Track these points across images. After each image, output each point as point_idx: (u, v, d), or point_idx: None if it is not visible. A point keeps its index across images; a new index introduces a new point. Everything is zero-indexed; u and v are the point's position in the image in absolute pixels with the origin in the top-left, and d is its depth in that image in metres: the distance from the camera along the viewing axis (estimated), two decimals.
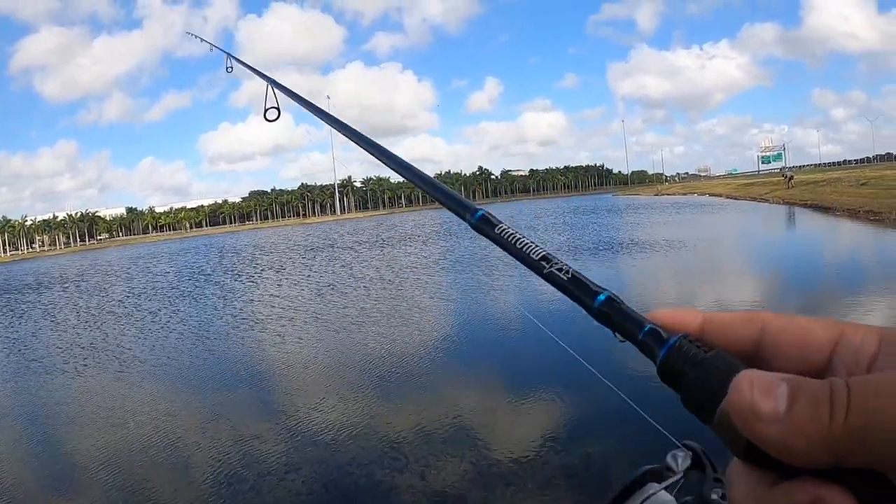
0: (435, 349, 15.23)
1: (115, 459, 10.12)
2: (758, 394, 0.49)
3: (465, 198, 0.89)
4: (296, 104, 2.25)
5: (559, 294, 0.69)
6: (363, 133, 1.43)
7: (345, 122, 1.57)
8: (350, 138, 1.47)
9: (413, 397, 11.90)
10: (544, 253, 0.71)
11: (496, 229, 0.78)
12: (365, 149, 1.36)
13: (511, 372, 12.65)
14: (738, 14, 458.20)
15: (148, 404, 13.30)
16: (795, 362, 0.55)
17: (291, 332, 19.66)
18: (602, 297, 0.64)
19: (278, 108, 2.75)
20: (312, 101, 2.10)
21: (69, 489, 9.24)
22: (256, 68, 3.09)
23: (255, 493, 8.33)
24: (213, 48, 4.86)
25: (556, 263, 0.69)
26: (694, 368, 0.54)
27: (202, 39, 6.20)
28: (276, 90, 2.62)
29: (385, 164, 1.22)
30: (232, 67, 4.53)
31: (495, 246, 0.73)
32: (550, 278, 0.69)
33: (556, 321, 14.52)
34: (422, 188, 1.04)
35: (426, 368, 13.70)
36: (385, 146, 1.27)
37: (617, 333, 0.62)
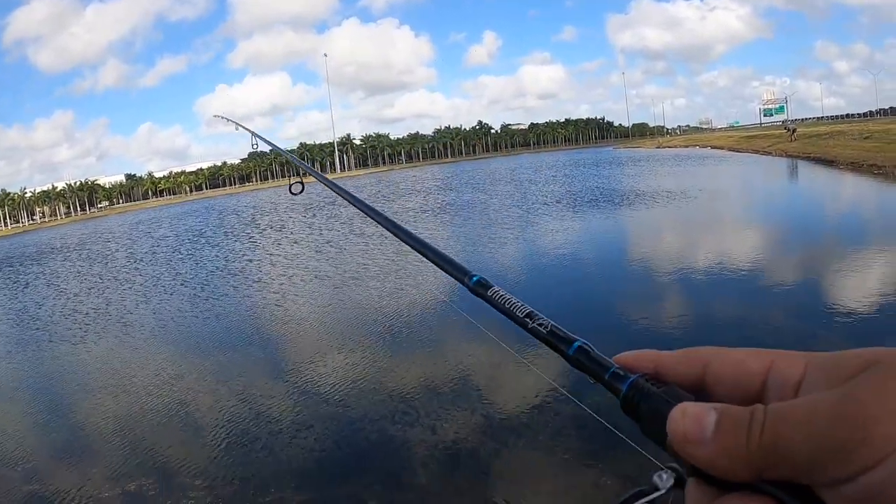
0: (431, 303, 15.22)
1: (123, 423, 10.17)
2: (689, 422, 0.58)
3: (463, 264, 1.07)
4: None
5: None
6: (375, 207, 1.66)
7: (357, 195, 1.85)
8: (366, 213, 1.72)
9: (412, 350, 12.00)
10: (529, 311, 0.85)
11: (489, 291, 0.94)
12: (377, 221, 1.60)
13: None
14: None
15: (154, 367, 13.36)
16: (733, 391, 0.63)
17: (293, 290, 19.77)
18: (575, 345, 0.76)
19: (302, 183, 3.24)
20: (327, 177, 2.40)
21: (79, 455, 9.24)
22: (281, 148, 3.92)
23: (267, 451, 8.37)
24: (239, 128, 5.46)
25: (538, 319, 0.83)
26: (647, 402, 0.64)
27: (229, 120, 6.57)
28: (297, 163, 3.17)
29: (397, 235, 1.40)
30: (258, 145, 4.90)
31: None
32: (533, 332, 0.82)
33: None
34: (427, 256, 1.21)
35: (424, 322, 13.78)
36: (394, 220, 1.47)
37: (588, 375, 0.73)
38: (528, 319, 0.84)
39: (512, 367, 10.02)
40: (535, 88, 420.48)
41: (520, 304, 0.87)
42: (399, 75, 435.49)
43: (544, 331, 0.81)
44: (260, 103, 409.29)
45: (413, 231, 1.33)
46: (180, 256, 33.69)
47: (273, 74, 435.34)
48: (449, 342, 12.32)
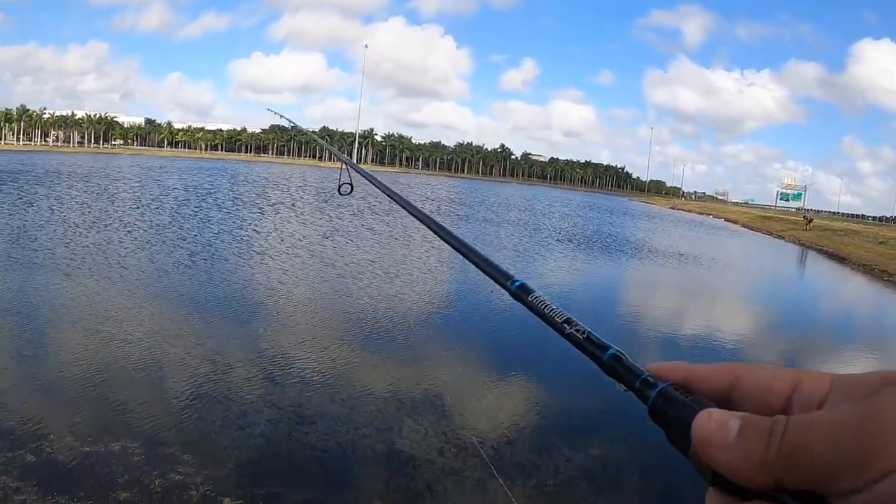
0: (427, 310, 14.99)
1: (108, 373, 9.78)
2: (713, 426, 0.61)
3: (506, 269, 1.08)
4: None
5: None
6: (424, 212, 1.65)
7: (407, 199, 1.88)
8: (412, 213, 1.73)
9: (391, 355, 11.74)
10: (567, 317, 0.87)
11: (530, 296, 0.96)
12: (424, 223, 1.59)
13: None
14: (785, 48, 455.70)
15: (146, 319, 13.00)
16: (760, 405, 0.64)
17: (293, 270, 19.52)
18: (609, 352, 0.79)
19: (351, 184, 3.27)
20: (379, 180, 2.42)
21: (56, 399, 8.88)
22: (334, 150, 3.82)
23: (264, 440, 8.01)
24: (292, 124, 5.49)
25: (576, 325, 0.85)
26: (675, 409, 0.66)
27: (282, 116, 6.38)
28: (351, 168, 3.17)
29: (443, 237, 1.41)
30: (350, 187, 4.78)
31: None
32: (570, 337, 0.85)
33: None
34: (470, 259, 1.22)
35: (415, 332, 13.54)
36: (440, 222, 1.49)
37: (619, 382, 0.75)
38: (566, 325, 0.86)
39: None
40: (562, 124, 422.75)
41: (558, 310, 0.90)
42: (433, 82, 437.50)
43: (581, 336, 0.83)
44: (292, 79, 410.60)
45: (459, 234, 1.36)
46: (186, 212, 33.37)
47: (310, 54, 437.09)
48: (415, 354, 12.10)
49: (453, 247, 1.33)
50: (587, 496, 7.62)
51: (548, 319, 0.90)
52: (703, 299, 23.82)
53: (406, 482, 7.41)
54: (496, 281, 1.09)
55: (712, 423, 0.61)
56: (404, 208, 1.86)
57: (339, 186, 3.29)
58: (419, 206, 1.70)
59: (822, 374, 0.64)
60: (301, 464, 7.57)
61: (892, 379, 0.56)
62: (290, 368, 10.68)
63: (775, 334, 18.58)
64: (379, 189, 2.34)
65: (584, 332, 0.83)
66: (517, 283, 1.01)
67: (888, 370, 0.58)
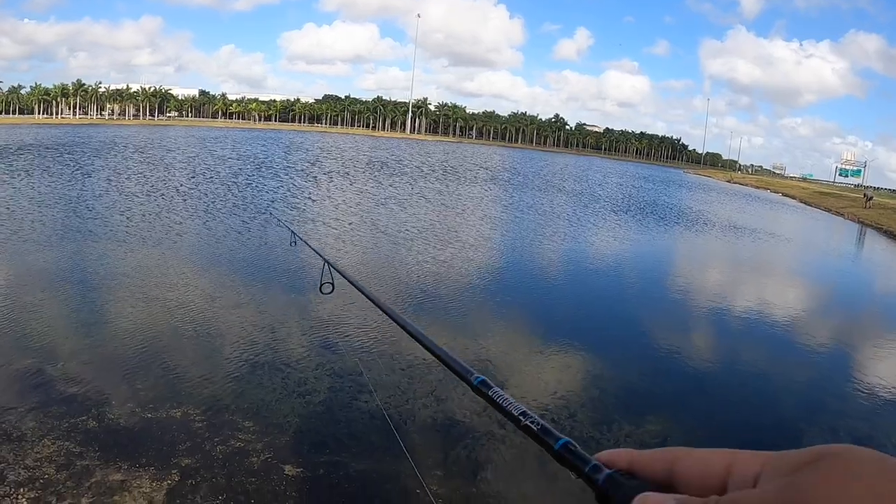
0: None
1: (169, 341, 9.91)
2: None
3: (467, 365, 1.19)
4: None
5: None
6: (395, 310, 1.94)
7: (387, 303, 2.16)
8: (390, 316, 2.01)
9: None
10: (523, 410, 0.93)
11: (490, 391, 1.05)
12: (403, 327, 1.77)
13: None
14: (845, 18, 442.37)
15: (194, 284, 13.23)
16: (698, 487, 0.67)
17: (351, 238, 19.53)
18: (561, 442, 0.83)
19: (332, 283, 3.56)
20: (358, 282, 2.71)
21: (121, 366, 8.95)
22: (317, 249, 3.91)
23: (325, 408, 8.00)
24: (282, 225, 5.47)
25: (531, 418, 0.90)
26: (619, 493, 0.70)
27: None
28: (332, 269, 3.41)
29: (407, 330, 1.64)
30: (295, 243, 4.92)
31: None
32: (525, 429, 0.90)
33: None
34: (434, 353, 1.40)
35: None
36: (410, 321, 1.69)
37: (570, 469, 0.78)
38: (521, 417, 0.92)
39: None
40: (616, 94, 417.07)
41: (514, 404, 0.95)
42: (486, 52, 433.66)
43: (535, 427, 0.88)
44: (344, 49, 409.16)
45: (422, 330, 1.53)
46: (241, 180, 33.59)
47: (362, 24, 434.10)
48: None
49: (418, 341, 1.51)
50: None
51: (505, 413, 0.96)
52: (757, 276, 23.37)
53: (465, 454, 7.35)
54: (458, 375, 1.19)
55: None
56: (385, 312, 2.11)
57: (321, 287, 3.56)
58: (398, 309, 1.98)
59: (755, 453, 0.65)
60: (361, 433, 7.52)
61: (820, 455, 0.58)
62: (347, 337, 10.66)
63: (831, 316, 18.16)
64: (360, 291, 2.55)
65: (538, 424, 0.88)
66: (479, 380, 1.11)
67: (812, 447, 0.60)
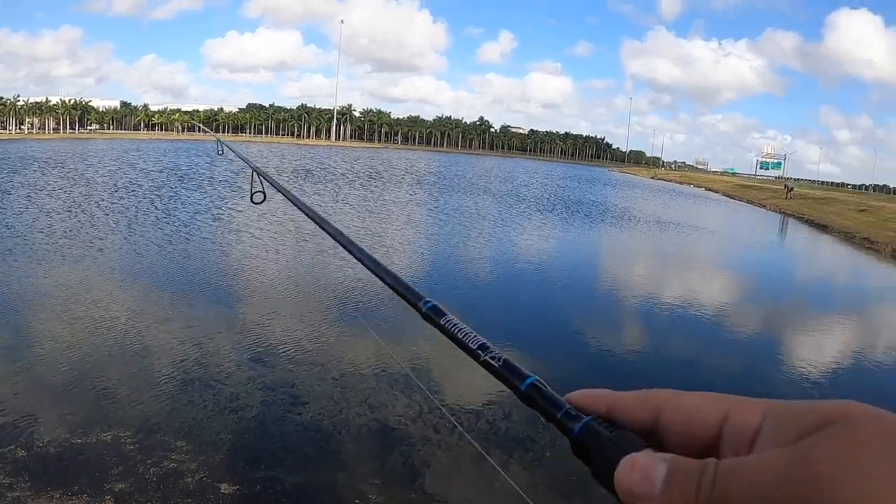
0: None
1: (95, 361, 9.70)
2: (637, 476, 0.57)
3: (417, 289, 1.04)
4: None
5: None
6: (331, 222, 1.67)
7: (320, 213, 1.79)
8: (323, 228, 1.70)
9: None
10: (482, 342, 0.82)
11: (443, 319, 0.92)
12: (335, 238, 1.61)
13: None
14: (762, 17, 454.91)
15: (120, 301, 12.98)
16: (686, 439, 0.60)
17: (273, 246, 19.40)
18: (528, 381, 0.73)
19: (263, 192, 3.24)
20: (290, 191, 2.40)
21: (45, 388, 8.77)
22: (245, 157, 3.62)
23: (258, 423, 7.94)
24: (205, 132, 5.10)
25: (491, 352, 0.80)
26: (598, 446, 0.62)
27: (205, 131, 6.07)
28: (261, 177, 3.12)
29: (351, 252, 1.42)
30: (222, 152, 4.69)
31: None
32: (485, 364, 0.79)
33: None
34: (380, 276, 1.20)
35: None
36: (349, 236, 1.48)
37: (539, 413, 0.70)
38: (480, 351, 0.81)
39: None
40: (540, 96, 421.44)
41: (473, 335, 0.85)
42: (410, 57, 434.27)
43: (497, 364, 0.78)
44: (267, 57, 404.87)
45: (368, 250, 1.33)
46: (164, 193, 33.05)
47: (286, 31, 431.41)
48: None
49: (363, 263, 1.32)
50: None
51: (462, 345, 0.85)
52: (683, 268, 23.94)
53: (401, 460, 7.37)
54: (407, 301, 1.05)
55: (636, 473, 0.57)
56: (312, 220, 1.85)
57: (252, 195, 3.27)
58: (331, 217, 1.74)
59: (754, 401, 0.59)
60: (296, 446, 7.49)
61: (826, 416, 0.52)
62: (277, 348, 10.61)
63: (760, 302, 18.73)
64: (290, 201, 2.28)
65: (500, 360, 0.78)
66: (429, 305, 0.99)
67: (820, 403, 0.54)
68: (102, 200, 28.99)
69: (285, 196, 2.37)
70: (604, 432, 0.63)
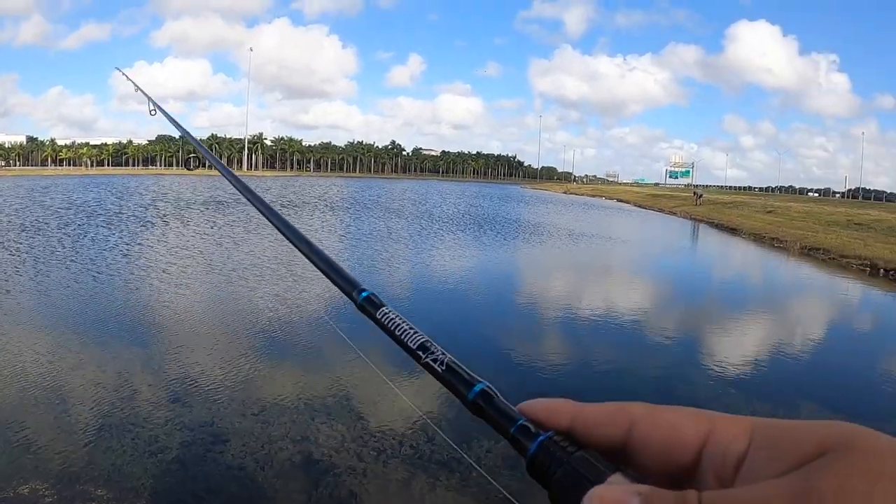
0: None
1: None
2: None
3: (352, 275, 0.94)
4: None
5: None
6: (257, 194, 1.53)
7: (247, 185, 1.65)
8: (255, 206, 1.50)
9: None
10: (423, 340, 0.73)
11: (378, 312, 0.82)
12: (259, 209, 1.44)
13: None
14: (664, 33, 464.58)
15: (37, 348, 12.49)
16: (662, 461, 0.54)
17: (185, 281, 19.04)
18: (476, 388, 0.66)
19: (198, 158, 3.25)
20: (217, 159, 2.30)
21: None
22: (177, 122, 3.49)
23: (179, 464, 7.73)
24: (138, 90, 4.91)
25: (434, 353, 0.71)
26: (559, 469, 0.55)
27: (131, 82, 5.94)
28: (191, 141, 2.89)
29: (277, 227, 1.27)
30: (156, 111, 4.61)
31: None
32: (427, 367, 0.71)
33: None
34: (312, 261, 1.07)
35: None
36: (284, 217, 1.30)
37: (489, 425, 0.63)
38: (420, 352, 0.72)
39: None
40: (451, 117, 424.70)
41: (413, 332, 0.75)
42: (320, 83, 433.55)
43: (440, 368, 0.69)
44: (177, 87, 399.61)
45: (301, 231, 1.18)
46: (73, 231, 32.21)
47: (195, 60, 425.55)
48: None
49: (295, 245, 1.17)
50: None
51: (400, 342, 0.75)
52: (600, 277, 24.26)
53: (328, 491, 7.25)
54: (340, 288, 0.93)
55: None
56: (243, 195, 1.64)
57: (189, 161, 3.15)
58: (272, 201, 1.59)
59: (740, 420, 0.53)
60: (219, 485, 7.35)
61: (826, 441, 0.47)
62: (195, 386, 10.36)
63: (677, 305, 19.12)
64: (218, 170, 2.08)
65: (443, 363, 0.69)
66: (364, 294, 0.86)
67: (816, 423, 0.49)
68: (5, 241, 28.12)
69: (214, 164, 2.22)
70: (566, 454, 0.55)
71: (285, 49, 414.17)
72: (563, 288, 21.78)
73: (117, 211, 45.22)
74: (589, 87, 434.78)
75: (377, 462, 7.93)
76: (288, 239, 1.20)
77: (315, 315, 15.42)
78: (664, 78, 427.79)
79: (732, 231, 44.93)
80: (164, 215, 43.54)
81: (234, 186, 1.74)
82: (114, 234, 31.47)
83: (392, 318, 0.78)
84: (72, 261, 22.64)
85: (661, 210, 71.15)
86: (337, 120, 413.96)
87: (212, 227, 35.69)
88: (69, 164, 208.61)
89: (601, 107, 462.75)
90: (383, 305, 0.82)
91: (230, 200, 54.27)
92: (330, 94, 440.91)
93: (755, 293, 22.60)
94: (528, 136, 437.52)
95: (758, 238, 39.81)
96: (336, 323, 13.44)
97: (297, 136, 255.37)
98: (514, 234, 37.97)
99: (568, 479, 0.54)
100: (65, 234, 31.03)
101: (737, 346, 14.00)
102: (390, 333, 0.77)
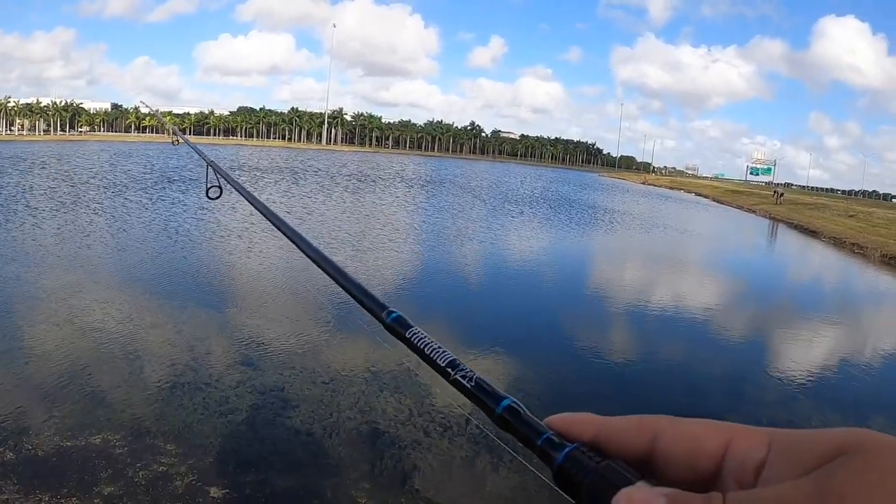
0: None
1: (83, 364, 9.61)
2: None
3: (380, 297, 0.95)
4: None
5: None
6: (292, 226, 1.55)
7: (276, 212, 1.70)
8: (278, 228, 1.58)
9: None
10: (452, 358, 0.76)
11: (408, 332, 0.84)
12: (291, 239, 1.47)
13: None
14: (750, 25, 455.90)
15: (121, 308, 12.80)
16: (686, 470, 0.56)
17: (263, 249, 19.35)
18: (504, 403, 0.68)
19: (220, 187, 3.05)
20: (245, 188, 2.26)
21: (33, 392, 8.76)
22: (201, 151, 3.51)
23: (248, 426, 7.88)
24: (162, 124, 4.97)
25: (462, 370, 0.74)
26: (585, 479, 0.56)
27: (157, 117, 5.88)
28: (217, 172, 2.93)
29: (310, 257, 1.29)
30: (179, 141, 4.58)
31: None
32: (455, 384, 0.73)
33: None
34: (340, 283, 1.09)
35: None
36: (310, 240, 1.36)
37: (517, 440, 0.65)
38: (450, 369, 0.75)
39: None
40: (531, 101, 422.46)
41: (442, 351, 0.78)
42: (401, 61, 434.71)
43: (469, 384, 0.72)
44: (260, 60, 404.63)
45: (326, 252, 1.21)
46: (155, 193, 32.93)
47: (279, 34, 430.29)
48: None
49: (321, 268, 1.20)
50: None
51: (430, 361, 0.78)
52: (678, 272, 23.92)
53: (392, 463, 7.35)
54: (368, 310, 0.97)
55: None
56: (268, 219, 1.73)
57: (207, 191, 3.14)
58: (290, 220, 1.61)
59: (758, 430, 0.55)
60: (285, 449, 7.46)
61: (842, 444, 0.48)
62: (268, 351, 10.57)
63: (751, 307, 18.72)
64: (244, 197, 2.16)
65: (471, 379, 0.72)
66: (394, 316, 0.90)
67: (831, 431, 0.51)
68: (93, 202, 28.86)
69: (239, 192, 2.25)
70: (592, 463, 0.57)
71: (368, 26, 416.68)
72: (631, 278, 21.62)
73: (191, 178, 46.04)
74: (671, 76, 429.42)
75: (442, 439, 7.97)
76: (316, 263, 1.24)
77: (390, 292, 15.61)
78: (748, 71, 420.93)
79: (812, 233, 43.90)
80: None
81: (261, 212, 1.81)
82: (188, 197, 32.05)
83: (422, 338, 0.82)
84: (153, 223, 23.15)
85: (739, 207, 69.80)
86: (417, 98, 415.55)
87: (284, 196, 36.10)
88: (152, 132, 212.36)
89: (683, 97, 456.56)
90: (412, 326, 0.85)
91: (307, 170, 54.59)
92: (411, 73, 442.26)
93: (828, 299, 22.09)
94: (608, 124, 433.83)
95: (837, 242, 38.89)
96: (406, 302, 13.62)
97: (376, 112, 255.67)
98: (591, 220, 37.87)
99: (596, 487, 0.55)
100: (144, 196, 31.72)
101: (806, 354, 13.73)
102: (419, 352, 0.80)
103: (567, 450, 0.59)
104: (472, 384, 0.72)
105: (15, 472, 6.52)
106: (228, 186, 2.89)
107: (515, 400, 0.68)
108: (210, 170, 3.04)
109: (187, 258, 17.90)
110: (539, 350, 12.19)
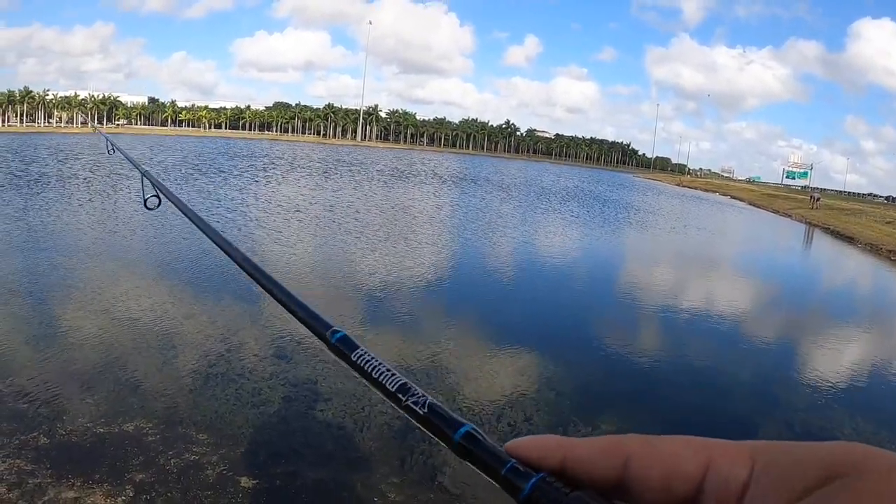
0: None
1: (104, 346, 9.81)
2: None
3: (324, 316, 0.89)
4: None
5: None
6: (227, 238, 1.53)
7: (209, 223, 1.69)
8: (218, 244, 1.56)
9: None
10: (402, 382, 0.70)
11: (354, 353, 0.77)
12: (226, 252, 1.48)
13: None
14: (785, 26, 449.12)
15: (146, 293, 12.98)
16: (662, 494, 0.51)
17: (300, 237, 19.43)
18: (462, 430, 0.62)
19: (158, 197, 2.93)
20: (181, 199, 2.21)
21: (67, 378, 8.85)
22: (133, 159, 3.48)
23: (279, 418, 7.93)
24: (97, 131, 4.92)
25: (414, 395, 0.67)
26: None
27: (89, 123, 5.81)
28: (150, 181, 2.86)
29: (246, 271, 1.32)
30: (114, 150, 4.51)
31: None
32: (407, 410, 0.67)
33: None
34: (278, 300, 1.06)
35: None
36: (249, 256, 1.36)
37: (477, 469, 0.60)
38: (400, 394, 0.68)
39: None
40: (566, 100, 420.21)
41: (391, 374, 0.71)
42: (436, 59, 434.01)
43: (421, 410, 0.65)
44: (295, 57, 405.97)
45: (264, 266, 1.20)
46: (188, 188, 33.23)
47: (314, 31, 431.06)
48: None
49: (263, 287, 1.15)
50: None
51: (378, 385, 0.71)
52: (711, 275, 23.78)
53: (423, 459, 7.35)
54: (311, 330, 0.89)
55: None
56: (206, 235, 1.67)
57: (146, 201, 3.01)
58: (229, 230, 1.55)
59: (740, 446, 0.51)
60: (316, 442, 7.49)
61: (836, 466, 0.44)
62: (301, 343, 10.60)
63: (782, 312, 18.57)
64: (179, 209, 2.10)
65: (424, 405, 0.65)
66: (338, 335, 0.82)
67: (819, 446, 0.47)
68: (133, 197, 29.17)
69: (173, 203, 2.17)
70: (560, 494, 0.52)
71: (403, 24, 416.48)
72: (661, 278, 21.49)
73: (237, 172, 46.35)
74: (706, 77, 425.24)
75: None
76: (257, 281, 1.20)
77: (421, 287, 15.63)
78: (784, 73, 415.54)
79: (848, 239, 43.43)
80: (283, 171, 44.42)
81: (199, 228, 1.76)
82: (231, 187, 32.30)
83: (368, 360, 0.75)
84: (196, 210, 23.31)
85: (775, 211, 69.27)
86: (452, 97, 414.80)
87: (312, 190, 36.26)
88: (188, 125, 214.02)
89: (718, 99, 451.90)
90: (358, 346, 0.78)
91: (341, 167, 54.86)
92: (446, 71, 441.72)
93: (861, 307, 21.73)
94: (643, 125, 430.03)
95: (874, 249, 38.40)
96: (438, 298, 13.63)
97: (411, 110, 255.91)
98: (625, 220, 37.62)
99: None
100: (192, 186, 32.02)
101: (837, 361, 13.51)
102: (367, 376, 0.73)
103: (533, 480, 0.54)
104: (426, 410, 0.65)
105: (48, 456, 6.58)
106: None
107: (474, 426, 0.62)
108: (143, 180, 2.96)
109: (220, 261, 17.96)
110: (567, 346, 12.18)
